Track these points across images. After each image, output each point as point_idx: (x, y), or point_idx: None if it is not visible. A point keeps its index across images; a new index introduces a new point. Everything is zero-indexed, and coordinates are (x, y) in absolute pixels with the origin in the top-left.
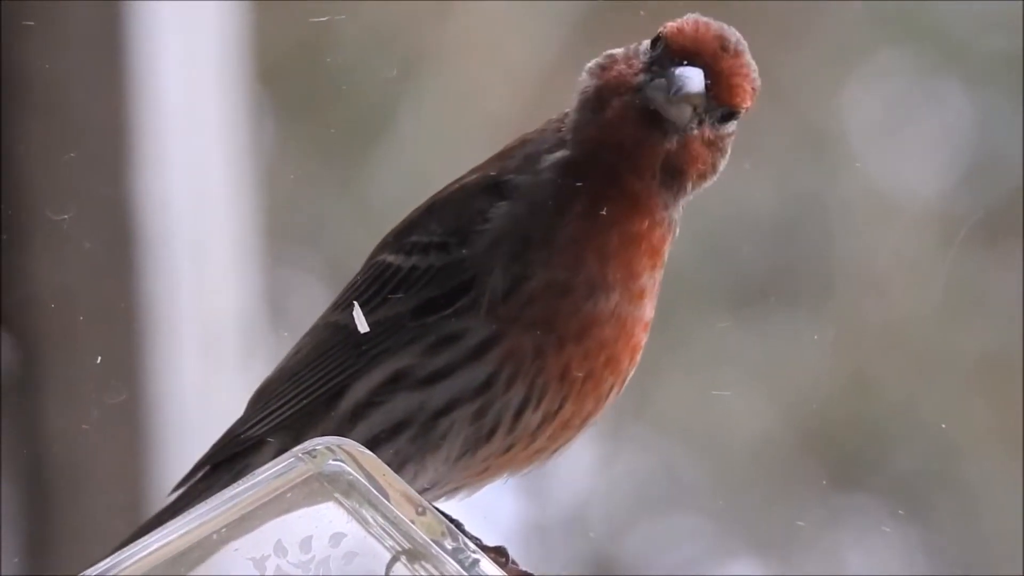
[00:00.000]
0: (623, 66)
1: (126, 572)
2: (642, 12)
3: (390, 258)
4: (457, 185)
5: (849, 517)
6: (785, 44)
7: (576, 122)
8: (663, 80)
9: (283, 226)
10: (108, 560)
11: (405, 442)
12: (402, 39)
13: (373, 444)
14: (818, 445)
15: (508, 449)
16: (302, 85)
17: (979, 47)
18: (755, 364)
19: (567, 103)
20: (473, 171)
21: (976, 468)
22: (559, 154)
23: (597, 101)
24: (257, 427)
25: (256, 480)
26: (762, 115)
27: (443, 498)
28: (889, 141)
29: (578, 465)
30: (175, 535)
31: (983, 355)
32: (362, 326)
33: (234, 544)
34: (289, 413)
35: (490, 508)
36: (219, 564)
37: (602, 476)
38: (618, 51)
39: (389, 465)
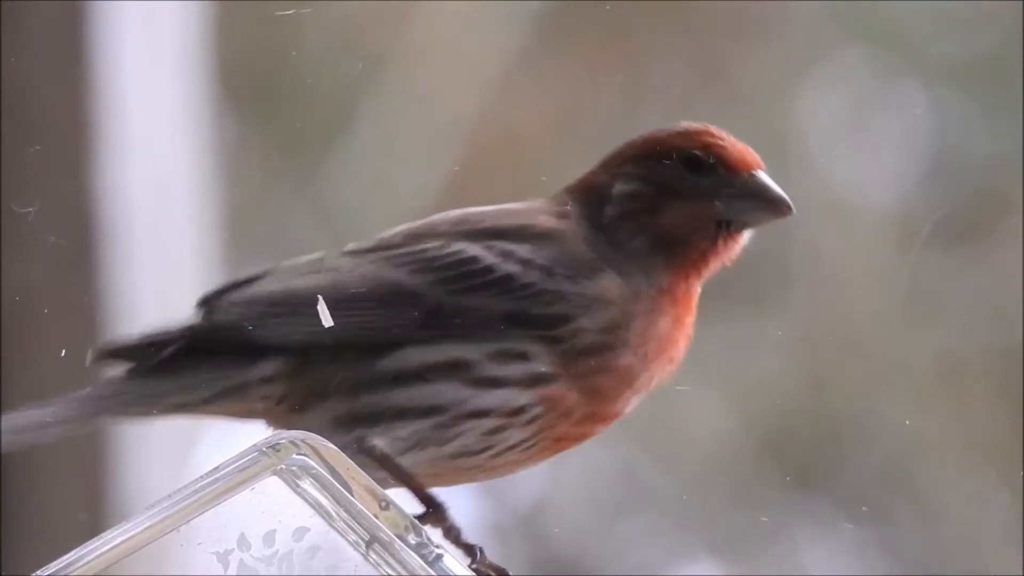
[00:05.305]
0: (684, 206)
1: (88, 567)
2: (608, 7)
3: (474, 251)
4: (552, 226)
5: (808, 517)
6: (743, 45)
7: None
8: (749, 200)
9: (244, 221)
10: (70, 555)
11: (429, 427)
12: (364, 38)
13: (401, 415)
14: (778, 445)
15: (470, 468)
16: (265, 80)
17: (938, 49)
18: (715, 363)
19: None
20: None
21: (935, 469)
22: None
23: (670, 235)
24: (269, 333)
25: (219, 474)
26: (720, 116)
27: None
28: (848, 142)
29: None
30: (137, 529)
31: (943, 356)
32: (326, 320)
33: (197, 538)
34: (314, 340)
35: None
36: (182, 558)
37: (560, 476)
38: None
39: (400, 443)
